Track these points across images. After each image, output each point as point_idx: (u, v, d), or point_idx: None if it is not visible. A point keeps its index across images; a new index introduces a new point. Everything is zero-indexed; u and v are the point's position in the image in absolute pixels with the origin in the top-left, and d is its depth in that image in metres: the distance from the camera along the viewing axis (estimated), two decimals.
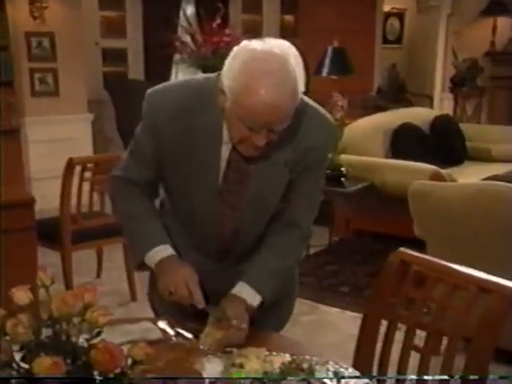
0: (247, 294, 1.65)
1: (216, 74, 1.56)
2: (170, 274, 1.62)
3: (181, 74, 7.66)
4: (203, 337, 1.55)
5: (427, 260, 1.82)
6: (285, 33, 8.04)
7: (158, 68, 6.97)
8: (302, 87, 1.45)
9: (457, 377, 1.56)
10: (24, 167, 5.31)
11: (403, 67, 9.38)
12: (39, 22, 5.53)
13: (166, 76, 7.05)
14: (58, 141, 5.55)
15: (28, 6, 5.49)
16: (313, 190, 1.74)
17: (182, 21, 7.08)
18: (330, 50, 5.19)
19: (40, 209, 3.70)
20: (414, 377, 1.66)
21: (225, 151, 1.58)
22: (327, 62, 5.15)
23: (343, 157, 4.50)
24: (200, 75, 1.69)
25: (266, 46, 1.43)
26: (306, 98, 1.63)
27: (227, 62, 1.45)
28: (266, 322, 1.75)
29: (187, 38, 6.91)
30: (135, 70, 6.97)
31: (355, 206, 4.57)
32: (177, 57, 6.93)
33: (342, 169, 4.45)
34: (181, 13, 7.10)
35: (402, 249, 1.86)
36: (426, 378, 1.63)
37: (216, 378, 1.39)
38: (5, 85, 5.21)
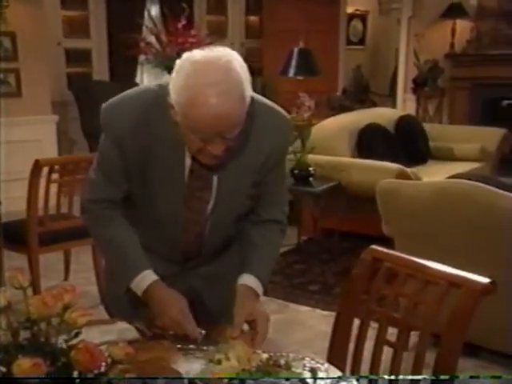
0: (256, 284, 1.68)
1: (159, 85, 1.59)
2: (162, 312, 1.59)
3: (146, 75, 7.63)
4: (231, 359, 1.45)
5: (399, 257, 1.85)
6: (249, 34, 8.07)
7: (123, 69, 6.92)
8: (249, 90, 1.46)
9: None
10: None
11: (367, 68, 9.51)
12: (0, 22, 5.44)
13: (130, 77, 7.01)
14: (23, 142, 5.46)
15: None
16: (281, 185, 1.81)
17: (147, 21, 7.04)
18: (295, 51, 5.24)
19: (6, 211, 3.65)
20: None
21: (187, 160, 1.59)
22: (293, 62, 5.20)
23: (311, 157, 4.52)
24: (153, 84, 1.66)
25: (208, 55, 1.42)
26: (259, 98, 1.65)
27: (173, 76, 1.44)
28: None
29: (152, 39, 6.88)
30: (100, 70, 6.91)
31: (323, 205, 4.60)
32: (142, 57, 6.90)
33: (310, 169, 4.48)
34: (145, 13, 7.06)
35: (373, 246, 1.90)
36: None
37: (197, 378, 1.40)
38: None
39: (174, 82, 1.43)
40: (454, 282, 1.65)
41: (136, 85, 7.05)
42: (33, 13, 5.69)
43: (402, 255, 1.86)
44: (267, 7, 7.75)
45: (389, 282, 1.83)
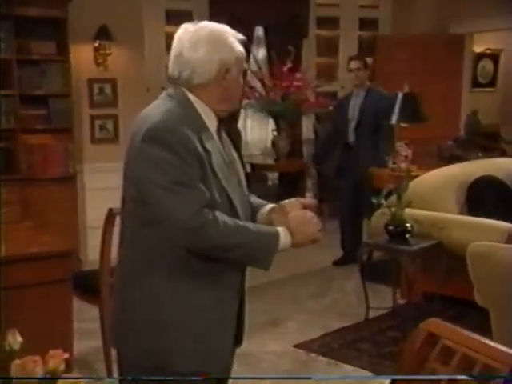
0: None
1: (171, 93, 1.93)
2: (309, 232, 1.94)
3: (250, 121, 7.84)
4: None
5: (459, 333, 1.74)
6: None
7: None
8: None
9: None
10: (78, 215, 5.57)
11: (496, 113, 9.16)
12: (102, 69, 5.87)
13: (233, 121, 7.23)
14: (117, 188, 5.75)
15: (93, 53, 5.87)
16: None
17: (252, 65, 7.28)
18: (399, 95, 5.19)
19: (93, 259, 3.81)
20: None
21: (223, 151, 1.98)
22: (396, 108, 5.14)
23: (408, 211, 4.38)
24: (160, 101, 1.95)
25: (201, 25, 1.93)
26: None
27: (211, 49, 1.88)
28: None
29: (256, 83, 7.10)
30: None
31: (422, 265, 4.45)
32: (245, 102, 7.11)
33: (407, 224, 4.35)
34: (251, 57, 7.30)
35: (433, 319, 1.82)
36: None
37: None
38: (64, 131, 5.54)
39: (224, 50, 1.90)
40: None
41: (239, 129, 7.26)
42: (134, 58, 6.09)
43: (464, 332, 1.75)
44: (381, 48, 7.73)
45: (444, 363, 1.74)
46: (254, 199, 2.13)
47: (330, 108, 6.74)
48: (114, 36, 5.83)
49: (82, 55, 5.79)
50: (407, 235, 4.32)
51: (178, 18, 6.93)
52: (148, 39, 6.48)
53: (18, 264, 3.10)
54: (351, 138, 5.72)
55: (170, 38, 6.77)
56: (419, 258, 4.37)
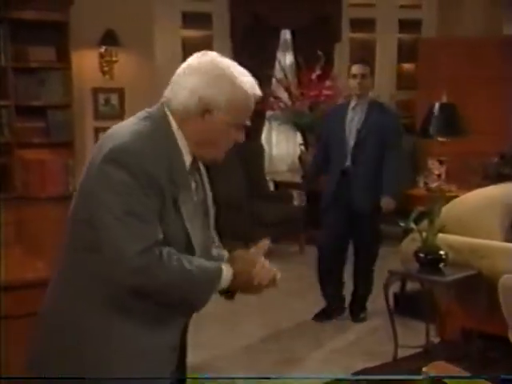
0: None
1: (151, 112, 1.88)
2: (252, 274, 1.91)
3: (275, 133, 7.61)
4: None
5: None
6: (401, 84, 7.84)
7: (248, 126, 6.94)
8: None
9: None
10: None
11: None
12: (108, 77, 5.72)
13: (256, 135, 7.01)
14: None
15: (98, 60, 5.73)
16: None
17: (277, 72, 7.07)
18: (436, 106, 4.91)
19: None
20: None
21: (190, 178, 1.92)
22: (433, 120, 4.87)
23: (442, 237, 4.14)
24: (135, 119, 1.87)
25: (211, 55, 1.89)
26: None
27: (198, 81, 1.82)
28: None
29: (282, 92, 6.89)
30: None
31: (459, 298, 4.21)
32: (269, 113, 6.91)
33: (441, 252, 4.11)
34: (276, 63, 7.10)
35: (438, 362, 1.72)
36: None
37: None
38: (64, 146, 5.40)
39: (208, 84, 1.81)
40: None
41: (261, 145, 7.03)
42: (145, 65, 5.92)
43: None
44: (423, 53, 7.44)
45: None
46: (220, 252, 2.11)
47: None
48: (121, 41, 5.70)
49: (85, 62, 5.67)
50: (441, 264, 4.13)
51: (195, 20, 6.81)
52: (160, 44, 6.36)
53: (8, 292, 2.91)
54: (347, 162, 4.72)
55: (186, 43, 6.71)
56: (455, 290, 4.20)
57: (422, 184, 4.25)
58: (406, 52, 7.79)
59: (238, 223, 6.21)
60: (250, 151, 6.54)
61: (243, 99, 1.83)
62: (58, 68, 5.41)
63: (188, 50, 6.68)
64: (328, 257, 4.85)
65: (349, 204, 4.69)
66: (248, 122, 1.89)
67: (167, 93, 1.87)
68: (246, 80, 1.84)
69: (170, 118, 1.85)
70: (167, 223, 1.79)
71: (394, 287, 4.74)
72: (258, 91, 1.87)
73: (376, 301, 5.10)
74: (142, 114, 1.89)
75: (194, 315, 2.00)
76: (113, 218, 1.71)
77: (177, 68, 6.11)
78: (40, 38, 5.38)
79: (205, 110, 1.81)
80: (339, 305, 4.98)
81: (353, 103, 4.77)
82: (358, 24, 7.61)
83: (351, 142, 4.69)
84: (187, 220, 1.84)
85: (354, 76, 4.73)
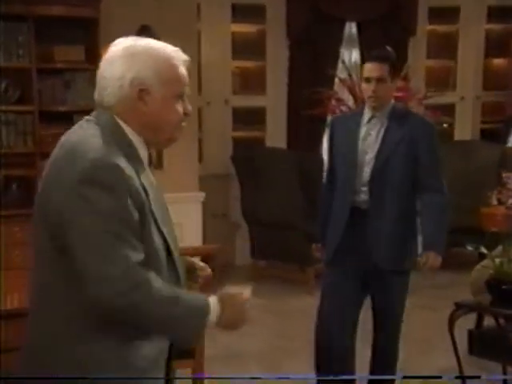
0: None
1: (94, 120, 1.92)
2: (240, 315, 2.00)
3: None
4: None
5: None
6: (489, 83, 7.51)
7: (304, 133, 6.77)
8: None
9: None
10: None
11: None
12: None
13: (313, 143, 6.81)
14: None
15: None
16: None
17: (340, 71, 6.85)
18: None
19: None
20: None
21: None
22: None
23: None
24: (85, 130, 1.91)
25: (121, 40, 1.98)
26: None
27: (121, 66, 1.88)
28: None
29: (345, 93, 6.66)
30: (275, 135, 6.83)
31: None
32: (330, 118, 6.68)
33: None
34: (339, 61, 6.88)
35: None
36: None
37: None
38: None
39: (138, 67, 1.88)
40: None
41: (320, 156, 6.77)
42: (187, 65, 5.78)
43: None
44: None
45: None
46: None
47: (445, 125, 6.16)
48: (158, 38, 5.54)
49: None
50: None
51: (247, 13, 6.66)
52: (207, 41, 6.22)
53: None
54: (362, 196, 3.68)
55: (238, 38, 6.55)
56: None
57: (494, 201, 3.92)
58: (495, 45, 7.42)
59: (292, 244, 6.01)
60: (309, 163, 6.33)
61: (170, 66, 1.91)
62: (86, 69, 5.14)
63: (238, 47, 6.54)
64: (333, 333, 3.78)
65: (365, 256, 3.65)
66: (188, 91, 1.97)
67: (96, 96, 1.91)
68: (165, 47, 1.94)
69: (117, 119, 1.90)
70: (149, 233, 1.87)
71: (468, 323, 4.51)
72: (182, 55, 1.94)
73: (444, 338, 4.75)
74: (83, 123, 1.93)
75: None
76: (93, 239, 1.76)
77: (227, 68, 5.98)
78: (67, 36, 5.15)
79: (140, 90, 1.87)
80: None
81: (367, 115, 3.66)
82: (438, 14, 7.24)
83: (366, 169, 3.62)
84: (162, 224, 1.91)
85: (367, 80, 3.58)
